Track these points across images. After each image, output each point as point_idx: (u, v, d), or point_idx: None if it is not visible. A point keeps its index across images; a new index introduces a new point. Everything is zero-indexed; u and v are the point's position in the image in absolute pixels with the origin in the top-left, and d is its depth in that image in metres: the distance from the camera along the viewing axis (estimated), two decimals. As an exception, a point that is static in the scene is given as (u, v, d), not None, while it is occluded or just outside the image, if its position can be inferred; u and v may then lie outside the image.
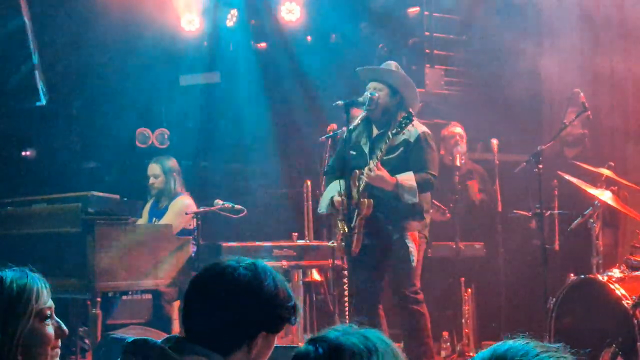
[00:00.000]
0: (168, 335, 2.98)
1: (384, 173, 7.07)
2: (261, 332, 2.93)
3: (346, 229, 7.04)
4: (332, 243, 7.66)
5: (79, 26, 10.82)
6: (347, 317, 7.31)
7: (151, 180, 8.93)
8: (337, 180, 7.23)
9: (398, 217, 7.19)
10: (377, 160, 7.08)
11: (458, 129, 9.67)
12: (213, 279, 2.97)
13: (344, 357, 2.03)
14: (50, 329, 3.20)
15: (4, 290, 3.08)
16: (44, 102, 9.88)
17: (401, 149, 7.19)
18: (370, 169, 7.06)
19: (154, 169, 8.95)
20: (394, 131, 7.05)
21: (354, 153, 7.30)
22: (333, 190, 7.35)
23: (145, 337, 2.87)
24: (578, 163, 8.00)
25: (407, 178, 7.09)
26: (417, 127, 7.27)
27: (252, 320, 2.93)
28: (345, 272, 7.44)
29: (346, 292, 7.43)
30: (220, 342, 2.87)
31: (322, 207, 7.55)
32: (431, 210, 7.76)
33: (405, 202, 7.10)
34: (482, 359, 1.72)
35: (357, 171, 7.19)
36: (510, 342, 1.74)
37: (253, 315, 2.92)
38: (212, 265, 3.02)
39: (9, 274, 3.13)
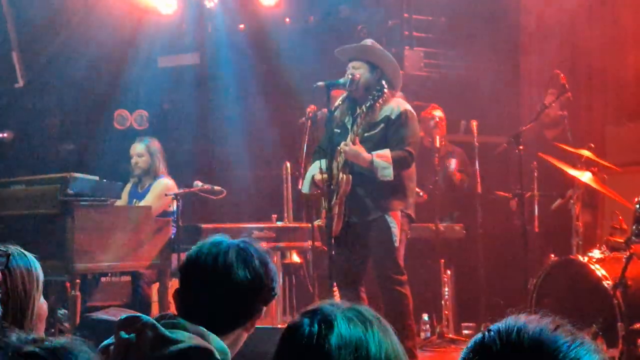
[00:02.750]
0: (162, 313, 3.01)
1: (359, 149, 7.03)
2: (262, 308, 3.08)
3: (326, 208, 7.04)
4: (318, 222, 7.64)
5: (57, 8, 10.75)
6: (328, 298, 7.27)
7: (134, 159, 8.85)
8: (320, 160, 7.22)
9: (380, 195, 7.16)
10: (354, 136, 7.05)
11: (438, 112, 9.70)
12: (213, 268, 3.03)
13: (339, 330, 2.04)
14: (44, 304, 3.27)
15: (17, 268, 3.10)
16: (21, 83, 9.82)
17: (382, 125, 7.16)
18: (346, 144, 7.02)
19: (138, 148, 8.87)
20: (367, 105, 7.03)
21: (339, 131, 7.27)
22: (315, 169, 7.33)
23: (138, 314, 2.88)
24: (558, 144, 8.01)
25: (384, 155, 7.05)
26: (400, 105, 7.25)
27: (256, 301, 3.06)
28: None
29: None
30: (224, 323, 2.97)
31: (305, 186, 7.53)
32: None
33: (379, 179, 7.05)
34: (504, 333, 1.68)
35: (339, 148, 7.18)
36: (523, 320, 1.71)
37: (256, 296, 3.06)
38: (210, 250, 3.05)
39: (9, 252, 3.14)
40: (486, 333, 1.69)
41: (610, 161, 8.11)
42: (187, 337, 2.79)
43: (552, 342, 1.65)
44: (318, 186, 7.31)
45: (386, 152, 7.06)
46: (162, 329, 2.79)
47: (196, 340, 2.80)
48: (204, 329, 2.87)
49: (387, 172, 7.02)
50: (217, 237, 3.09)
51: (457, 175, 9.69)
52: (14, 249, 3.16)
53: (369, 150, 7.07)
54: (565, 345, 1.66)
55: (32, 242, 7.31)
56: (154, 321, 2.82)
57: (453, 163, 9.71)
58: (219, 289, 2.98)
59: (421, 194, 9.07)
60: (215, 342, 2.85)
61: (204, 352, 2.80)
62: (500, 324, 1.69)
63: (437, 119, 9.65)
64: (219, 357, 2.84)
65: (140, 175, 8.84)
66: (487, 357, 1.67)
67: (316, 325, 2.05)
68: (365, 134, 7.13)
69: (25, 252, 3.21)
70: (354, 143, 7.03)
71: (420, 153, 7.60)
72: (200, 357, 2.79)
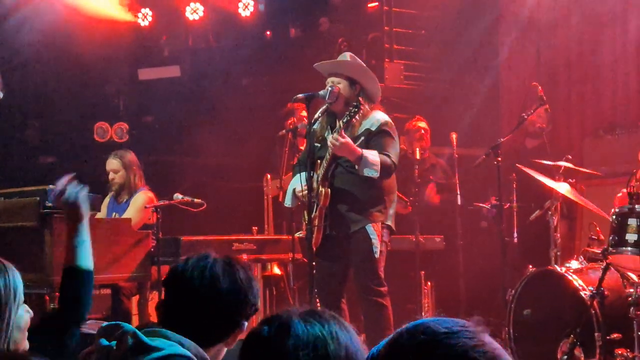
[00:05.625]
0: (142, 322, 3.06)
1: (349, 141, 7.01)
2: (244, 323, 3.11)
3: (307, 220, 7.06)
4: (299, 234, 7.64)
5: (36, 20, 10.75)
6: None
7: (111, 175, 8.80)
8: (300, 173, 7.24)
9: (360, 207, 7.16)
10: (340, 130, 7.00)
11: (422, 123, 9.75)
12: (199, 279, 3.07)
13: (296, 332, 2.08)
14: (27, 314, 3.26)
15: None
16: (0, 96, 9.78)
17: (362, 138, 7.16)
18: (335, 138, 6.96)
19: (112, 164, 8.81)
20: (344, 120, 7.03)
21: (319, 145, 7.28)
22: (296, 182, 7.33)
23: (119, 322, 2.90)
24: (536, 161, 8.04)
25: (372, 153, 7.02)
26: (380, 117, 7.25)
27: (239, 315, 3.10)
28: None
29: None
30: (207, 337, 2.99)
31: (287, 199, 7.53)
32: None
33: (365, 175, 7.00)
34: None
35: (319, 161, 7.19)
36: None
37: (239, 310, 3.10)
38: (197, 263, 3.09)
39: None
40: None
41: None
42: (167, 345, 2.81)
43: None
44: (299, 200, 7.32)
45: (375, 152, 7.03)
46: (143, 336, 2.81)
47: (176, 348, 2.81)
48: (184, 338, 2.89)
49: (375, 169, 6.95)
50: (203, 252, 3.14)
51: (437, 198, 9.72)
52: None
53: (349, 165, 7.08)
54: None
55: (11, 255, 7.31)
56: (135, 329, 2.84)
57: (432, 188, 9.72)
58: (204, 301, 3.02)
59: (408, 204, 9.10)
60: (195, 350, 2.87)
61: (183, 359, 2.82)
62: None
63: (422, 131, 9.71)
64: (198, 365, 2.86)
65: (118, 190, 8.80)
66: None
67: (274, 330, 2.11)
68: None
69: (4, 261, 3.20)
70: (342, 136, 6.96)
71: (402, 165, 7.61)
72: (180, 365, 2.82)
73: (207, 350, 2.97)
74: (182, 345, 2.85)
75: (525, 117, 8.21)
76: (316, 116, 7.31)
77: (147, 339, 2.80)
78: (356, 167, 6.99)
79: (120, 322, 2.91)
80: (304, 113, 8.35)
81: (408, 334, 1.81)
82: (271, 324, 2.13)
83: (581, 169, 7.89)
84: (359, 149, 6.97)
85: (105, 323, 2.94)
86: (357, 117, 7.04)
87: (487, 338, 1.80)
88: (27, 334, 3.35)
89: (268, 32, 12.16)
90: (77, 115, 11.09)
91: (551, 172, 7.69)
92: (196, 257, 3.11)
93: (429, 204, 9.71)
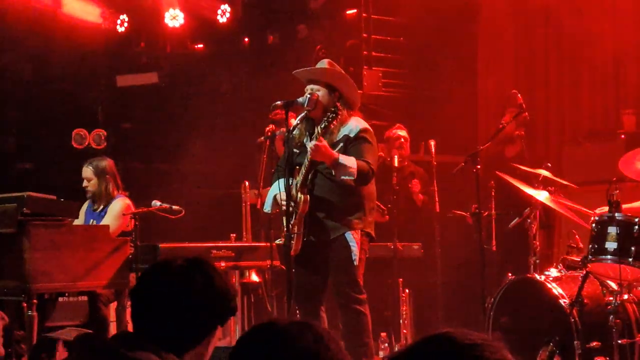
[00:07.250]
0: (119, 332, 3.02)
1: (325, 144, 6.97)
2: (217, 326, 3.06)
3: (286, 227, 7.04)
4: (279, 241, 7.62)
5: (14, 28, 10.70)
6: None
7: (84, 183, 8.78)
8: (279, 179, 7.22)
9: (339, 214, 7.15)
10: (318, 135, 6.98)
11: (402, 132, 9.75)
12: (166, 280, 3.04)
13: (290, 342, 2.07)
14: (0, 321, 3.24)
15: None
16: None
17: (341, 144, 7.15)
18: (315, 145, 6.93)
19: (86, 172, 8.78)
20: (322, 125, 7.01)
21: (297, 152, 7.26)
22: (276, 188, 7.31)
23: (93, 333, 2.88)
24: (515, 165, 8.06)
25: (349, 158, 7.00)
26: (359, 123, 7.25)
27: (210, 318, 3.05)
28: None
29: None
30: (180, 341, 2.97)
31: (267, 205, 7.51)
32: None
33: (340, 180, 7.00)
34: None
35: (298, 168, 7.16)
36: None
37: (211, 313, 3.04)
38: (161, 266, 3.05)
39: None
40: None
41: (567, 180, 8.18)
42: (144, 356, 2.79)
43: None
44: (279, 206, 7.30)
45: (352, 158, 7.01)
46: (120, 347, 2.79)
47: (153, 359, 2.80)
48: (162, 350, 2.87)
49: (351, 172, 6.93)
50: (164, 261, 3.09)
51: (420, 197, 9.74)
52: None
53: (329, 171, 7.06)
54: None
55: (-11, 261, 7.29)
56: (111, 339, 2.82)
57: (416, 185, 9.77)
58: (163, 314, 2.98)
59: (385, 212, 9.10)
60: None
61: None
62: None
63: (402, 140, 9.71)
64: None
65: (92, 198, 8.77)
66: None
67: (268, 340, 2.10)
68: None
69: None
70: (319, 141, 6.94)
71: (380, 172, 7.60)
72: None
73: (184, 357, 2.95)
74: (160, 356, 2.83)
75: (504, 124, 8.23)
76: (295, 123, 7.30)
77: (124, 350, 2.78)
78: (333, 172, 6.99)
79: (95, 333, 2.90)
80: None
81: (430, 342, 1.81)
82: (263, 332, 2.11)
83: (558, 179, 7.90)
84: (335, 153, 6.96)
85: (81, 332, 2.92)
86: (335, 123, 7.03)
87: (509, 355, 1.80)
88: (1, 340, 3.33)
89: (246, 39, 12.14)
90: (54, 121, 11.04)
91: (530, 180, 7.69)
92: (154, 267, 3.09)
93: (411, 197, 9.72)
